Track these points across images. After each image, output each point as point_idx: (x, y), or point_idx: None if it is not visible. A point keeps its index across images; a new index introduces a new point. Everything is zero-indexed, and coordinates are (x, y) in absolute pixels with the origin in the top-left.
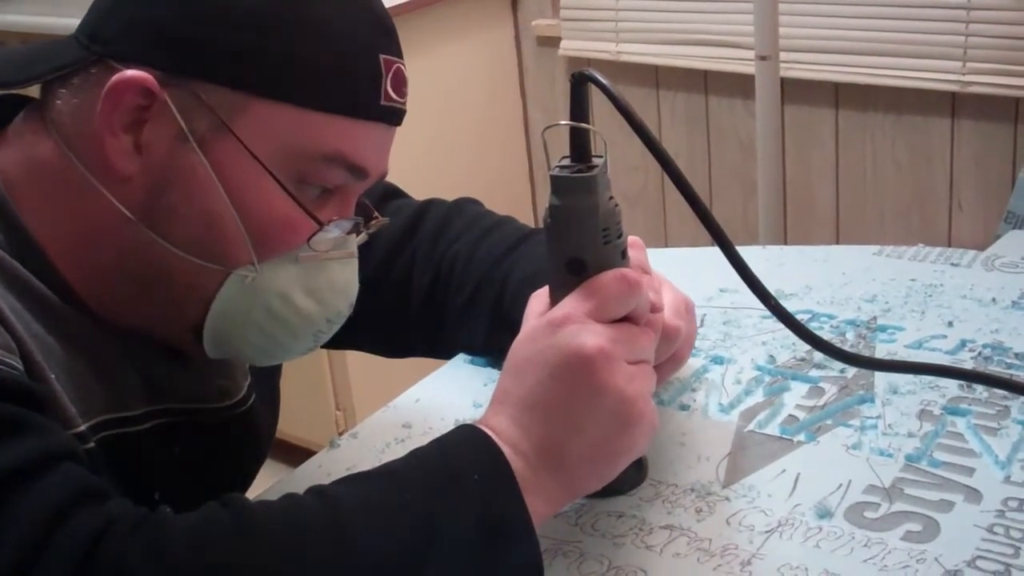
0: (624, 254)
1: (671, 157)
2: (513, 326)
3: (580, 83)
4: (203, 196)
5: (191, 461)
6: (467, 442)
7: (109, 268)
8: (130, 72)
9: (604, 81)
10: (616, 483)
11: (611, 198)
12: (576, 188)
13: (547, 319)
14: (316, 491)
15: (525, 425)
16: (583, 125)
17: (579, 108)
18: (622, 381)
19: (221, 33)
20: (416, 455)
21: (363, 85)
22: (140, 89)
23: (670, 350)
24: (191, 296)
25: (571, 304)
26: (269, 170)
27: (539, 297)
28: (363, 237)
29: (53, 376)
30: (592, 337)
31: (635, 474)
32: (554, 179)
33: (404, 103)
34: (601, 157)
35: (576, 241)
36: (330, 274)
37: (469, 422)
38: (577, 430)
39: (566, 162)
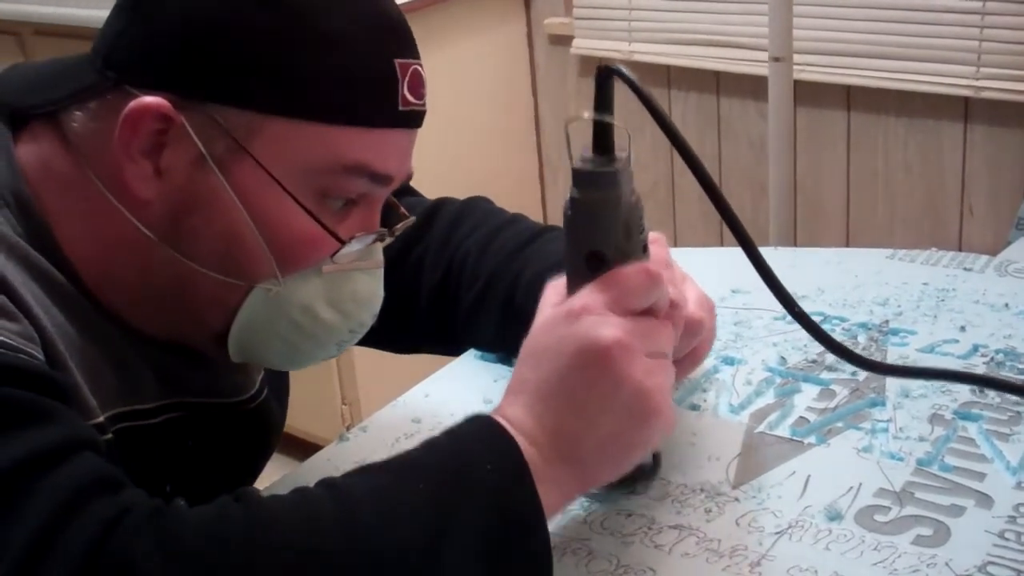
0: (645, 248)
1: (696, 154)
2: (525, 320)
3: (606, 76)
4: (224, 217)
5: (203, 454)
6: (480, 432)
7: (134, 283)
8: (146, 99)
9: (630, 75)
10: (628, 477)
11: (633, 192)
12: (599, 182)
13: (565, 308)
14: (327, 484)
15: (539, 414)
16: (607, 119)
17: (604, 101)
18: (639, 374)
19: (231, 53)
20: (428, 445)
21: (379, 93)
22: (157, 115)
23: (692, 343)
24: (215, 309)
25: (590, 295)
26: (288, 190)
27: (555, 287)
28: (389, 241)
29: (76, 369)
30: (610, 328)
31: (647, 469)
32: (576, 173)
33: (423, 104)
34: (624, 151)
35: (597, 235)
36: (355, 285)
37: (483, 412)
38: (592, 421)
39: (589, 155)
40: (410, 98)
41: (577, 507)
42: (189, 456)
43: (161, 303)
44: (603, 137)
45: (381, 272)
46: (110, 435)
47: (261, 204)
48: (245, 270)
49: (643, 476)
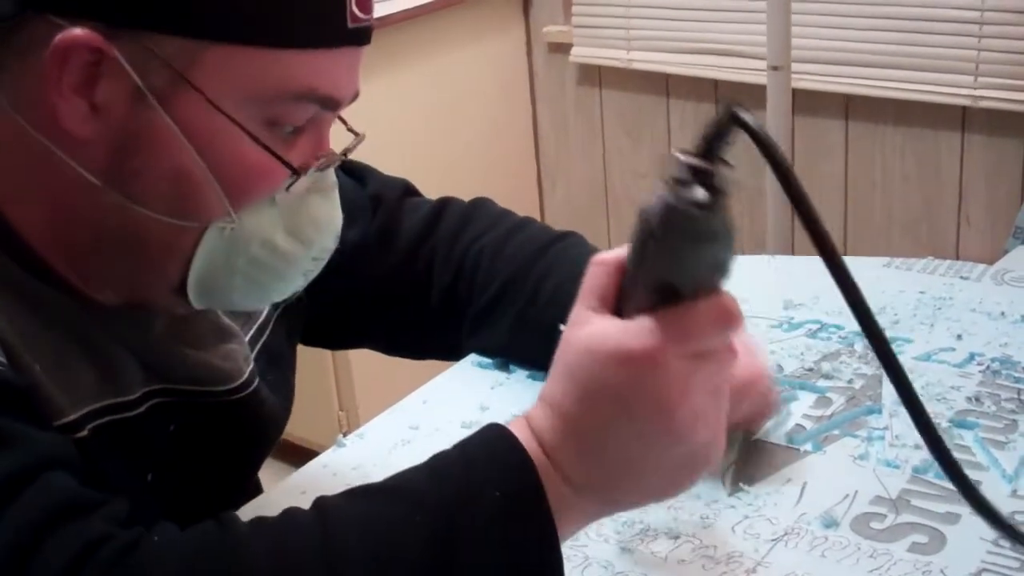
0: (727, 273)
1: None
2: (542, 328)
3: (730, 120)
4: (170, 154)
5: (185, 442)
6: (496, 459)
7: (83, 237)
8: (74, 31)
9: (757, 127)
10: None
11: (732, 229)
12: (699, 228)
13: (625, 350)
14: (320, 513)
15: (577, 452)
16: (717, 164)
17: (716, 141)
18: (701, 435)
19: None
20: (437, 468)
21: (326, 11)
22: (87, 47)
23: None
24: (170, 256)
25: (656, 337)
26: (236, 120)
27: (600, 280)
28: (339, 161)
29: (38, 367)
30: (678, 389)
31: None
32: (670, 208)
33: (371, 19)
34: (732, 166)
35: (678, 270)
36: (311, 210)
37: (507, 424)
38: (638, 478)
39: (687, 178)
40: (358, 13)
41: None
42: (172, 445)
43: (115, 257)
44: (705, 182)
45: (336, 194)
46: (86, 432)
47: (207, 137)
48: (196, 210)
49: None
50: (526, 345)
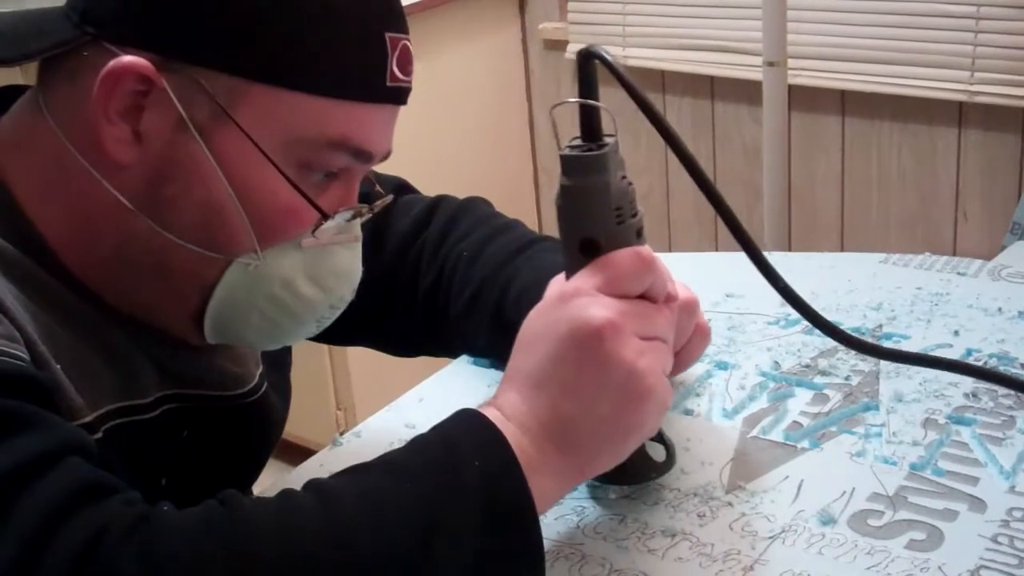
0: (639, 233)
1: (679, 137)
2: (513, 331)
3: (587, 60)
4: (205, 185)
5: (198, 447)
6: (466, 427)
7: (110, 256)
8: (127, 58)
9: (611, 58)
10: (642, 471)
11: (624, 177)
12: (586, 167)
13: (557, 293)
14: (314, 487)
15: (532, 400)
16: (592, 103)
17: (588, 86)
18: (631, 354)
19: (221, 16)
20: (414, 444)
21: (369, 67)
22: (138, 76)
23: (692, 320)
24: (192, 284)
25: (582, 278)
26: (272, 159)
27: (557, 281)
28: (367, 216)
29: (59, 366)
30: (601, 309)
31: (662, 461)
32: (564, 159)
33: (410, 81)
34: (613, 136)
35: (588, 221)
36: (334, 259)
37: (474, 406)
38: (585, 405)
39: (577, 142)
40: (398, 74)
41: (570, 511)
42: (185, 449)
43: (138, 279)
44: (589, 122)
45: (359, 246)
46: (100, 434)
47: (243, 173)
48: (224, 242)
49: (657, 468)
50: (502, 349)
